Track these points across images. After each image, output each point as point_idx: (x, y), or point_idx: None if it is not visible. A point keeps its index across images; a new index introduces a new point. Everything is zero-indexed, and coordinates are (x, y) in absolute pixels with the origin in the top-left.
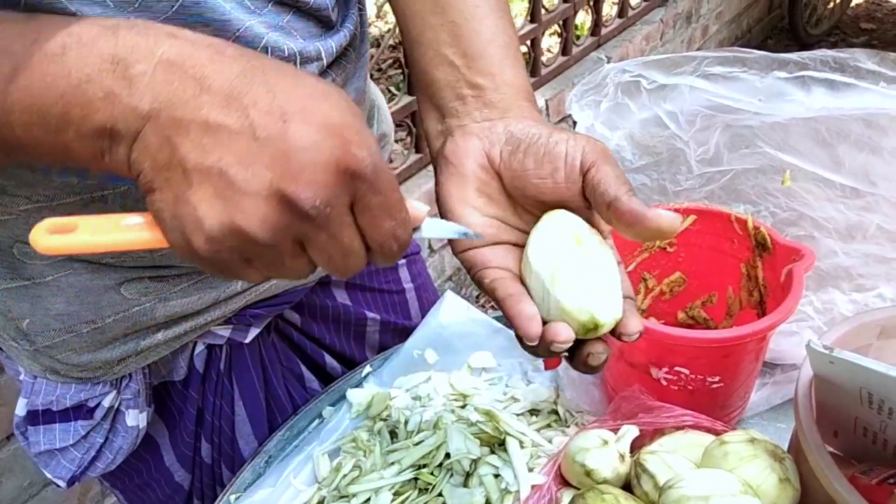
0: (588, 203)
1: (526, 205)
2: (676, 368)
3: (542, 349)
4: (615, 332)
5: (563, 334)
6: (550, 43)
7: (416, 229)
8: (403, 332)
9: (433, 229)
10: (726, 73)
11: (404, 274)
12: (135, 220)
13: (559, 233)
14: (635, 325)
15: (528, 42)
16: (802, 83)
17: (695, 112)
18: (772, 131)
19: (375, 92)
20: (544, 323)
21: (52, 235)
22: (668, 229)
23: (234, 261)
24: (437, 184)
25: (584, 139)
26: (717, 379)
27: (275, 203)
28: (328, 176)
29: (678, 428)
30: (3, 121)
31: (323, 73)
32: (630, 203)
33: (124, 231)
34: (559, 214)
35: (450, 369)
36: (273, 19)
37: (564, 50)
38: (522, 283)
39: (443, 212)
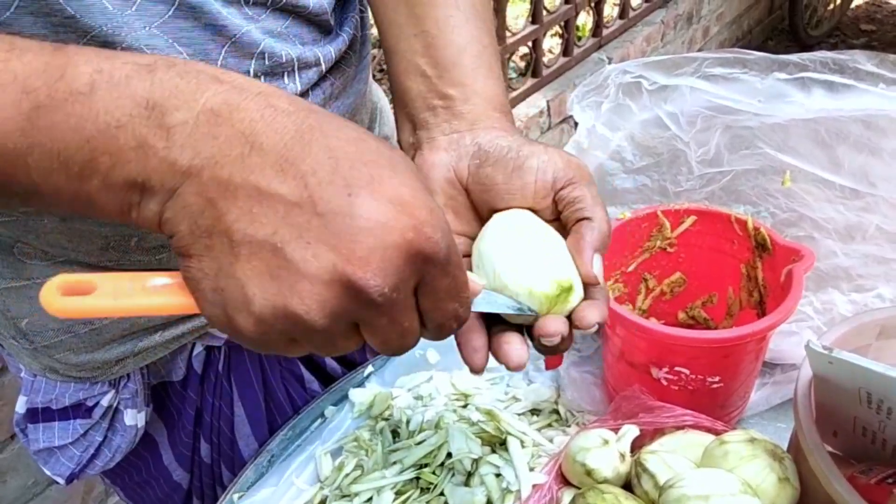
0: (555, 219)
1: (489, 217)
2: (677, 368)
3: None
4: (572, 323)
5: (552, 327)
6: (552, 44)
7: None
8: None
9: (489, 304)
10: (727, 75)
11: None
12: (162, 281)
13: (508, 224)
14: (592, 315)
15: (530, 43)
16: (802, 84)
17: (695, 113)
18: (772, 132)
19: (378, 93)
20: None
21: (67, 297)
22: (586, 279)
23: (280, 341)
24: None
25: (558, 154)
26: (717, 379)
27: (337, 288)
28: (399, 260)
29: (678, 428)
30: (18, 163)
31: (322, 78)
32: (587, 238)
33: (150, 294)
34: (510, 212)
35: (451, 369)
36: (271, 25)
37: (566, 51)
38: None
39: None
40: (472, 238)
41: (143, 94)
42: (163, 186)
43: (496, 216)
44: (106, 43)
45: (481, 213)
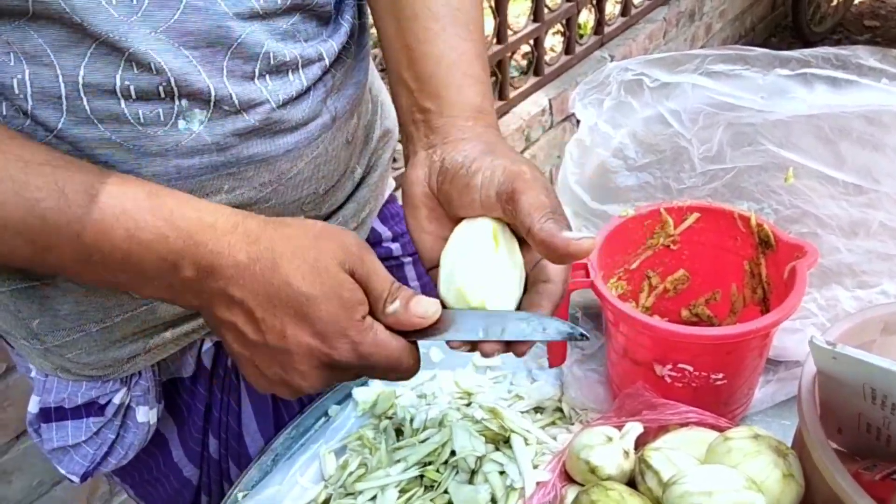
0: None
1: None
2: (680, 365)
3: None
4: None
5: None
6: (554, 42)
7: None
8: None
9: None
10: (729, 71)
11: (410, 272)
12: None
13: (467, 237)
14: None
15: (532, 41)
16: (805, 80)
17: (697, 110)
18: (774, 129)
19: (380, 87)
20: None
21: None
22: (578, 253)
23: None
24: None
25: (502, 165)
26: (720, 376)
27: (286, 391)
28: (325, 371)
29: (682, 425)
30: (72, 276)
31: (325, 73)
32: (541, 232)
33: None
34: (468, 223)
35: (454, 367)
36: (274, 24)
37: (567, 49)
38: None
39: (409, 237)
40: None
41: (164, 255)
42: (187, 308)
43: (456, 228)
44: (114, 48)
45: (453, 221)
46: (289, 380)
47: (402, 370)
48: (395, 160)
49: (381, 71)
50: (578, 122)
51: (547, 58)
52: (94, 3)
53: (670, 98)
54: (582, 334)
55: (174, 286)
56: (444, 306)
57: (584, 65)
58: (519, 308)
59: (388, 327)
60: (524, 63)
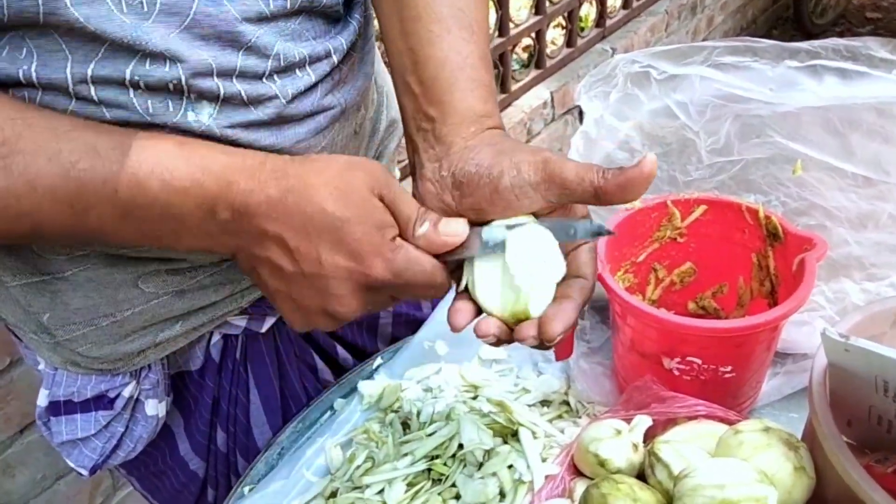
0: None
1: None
2: (689, 358)
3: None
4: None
5: (485, 328)
6: (555, 35)
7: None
8: (415, 324)
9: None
10: (737, 63)
11: None
12: None
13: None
14: (555, 327)
15: (533, 34)
16: (814, 72)
17: (705, 102)
18: (783, 121)
19: (386, 77)
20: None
21: None
22: (652, 171)
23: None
24: None
25: (525, 161)
26: (729, 369)
27: (328, 320)
28: (361, 293)
29: (691, 418)
30: (107, 236)
31: (333, 68)
32: (612, 179)
33: None
34: (528, 230)
35: (460, 361)
36: (284, 25)
37: (569, 42)
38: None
39: None
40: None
41: (200, 201)
42: (224, 252)
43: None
44: (130, 48)
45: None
46: (327, 307)
47: (437, 286)
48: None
49: (386, 65)
50: (581, 115)
51: (548, 51)
52: (105, 13)
53: (677, 90)
54: (609, 231)
55: (212, 232)
56: (477, 308)
57: (586, 58)
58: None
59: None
60: (525, 56)
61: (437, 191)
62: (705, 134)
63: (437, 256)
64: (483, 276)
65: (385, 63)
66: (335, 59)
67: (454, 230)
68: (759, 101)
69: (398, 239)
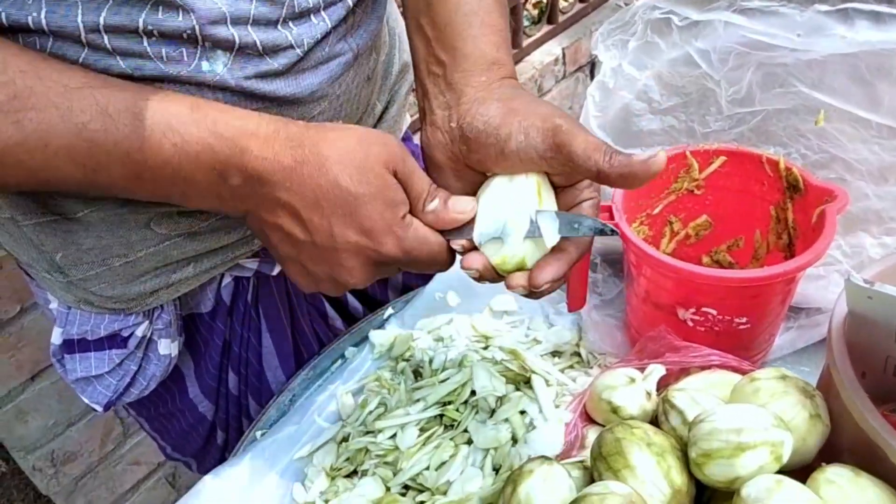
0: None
1: None
2: (704, 309)
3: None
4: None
5: (469, 262)
6: None
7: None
8: (426, 274)
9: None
10: (764, 8)
11: None
12: None
13: (509, 194)
14: (543, 276)
15: None
16: (845, 16)
17: (728, 49)
18: (808, 69)
19: (397, 19)
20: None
21: None
22: (659, 169)
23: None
24: (424, 170)
25: (534, 126)
26: (744, 320)
27: (334, 287)
28: (371, 267)
29: (704, 367)
30: (120, 191)
31: (348, 12)
32: (616, 167)
33: None
34: (515, 179)
35: (471, 312)
36: None
37: None
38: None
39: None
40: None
41: (211, 165)
42: (234, 214)
43: (494, 182)
44: None
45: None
46: (336, 276)
47: (441, 262)
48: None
49: (401, 5)
50: (592, 72)
51: (560, 6)
52: None
53: (700, 38)
54: (612, 230)
55: (222, 195)
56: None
57: (599, 13)
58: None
59: (427, 225)
60: (536, 13)
61: (446, 140)
62: (726, 83)
63: (442, 233)
64: (484, 227)
65: (398, 4)
66: (350, 2)
67: (462, 208)
68: (784, 49)
69: (408, 216)
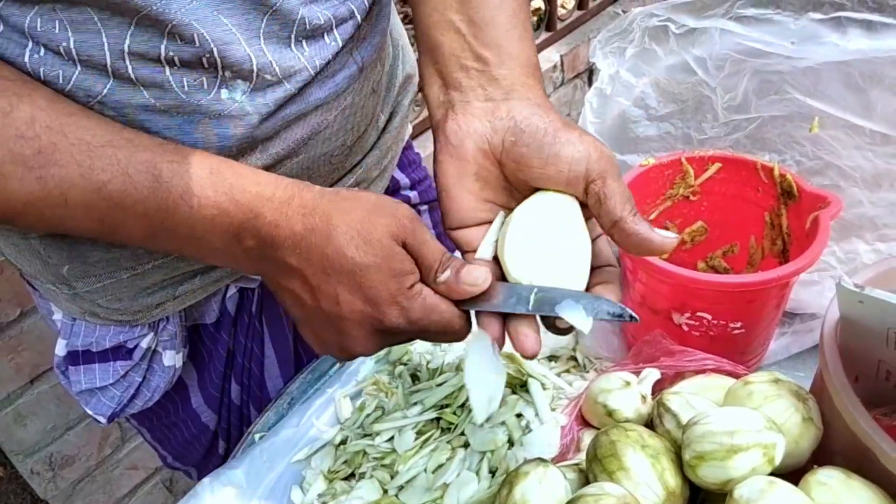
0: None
1: (523, 190)
2: (699, 314)
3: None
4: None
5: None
6: None
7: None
8: None
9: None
10: (759, 15)
11: (426, 220)
12: None
13: (544, 211)
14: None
15: None
16: (838, 24)
17: (724, 57)
18: (802, 77)
19: (401, 32)
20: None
21: None
22: (670, 248)
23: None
24: (435, 161)
25: (591, 144)
26: (738, 325)
27: (344, 355)
28: (377, 337)
29: (699, 371)
30: (144, 247)
31: (358, 27)
32: (635, 226)
33: None
34: (550, 197)
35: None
36: None
37: (580, 4)
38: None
39: (439, 190)
40: (498, 204)
41: (226, 228)
42: (250, 273)
43: (537, 198)
44: (157, 20)
45: (514, 185)
46: (343, 343)
47: (454, 332)
48: (417, 104)
49: (405, 22)
50: (590, 79)
51: (559, 13)
52: None
53: (696, 45)
54: (632, 316)
55: (236, 255)
56: (501, 272)
57: (598, 21)
58: (588, 289)
59: (440, 294)
60: (535, 19)
61: (485, 130)
62: (722, 90)
63: (457, 304)
64: (516, 247)
65: (398, 11)
66: (359, 18)
67: (474, 279)
68: (779, 56)
69: (417, 286)
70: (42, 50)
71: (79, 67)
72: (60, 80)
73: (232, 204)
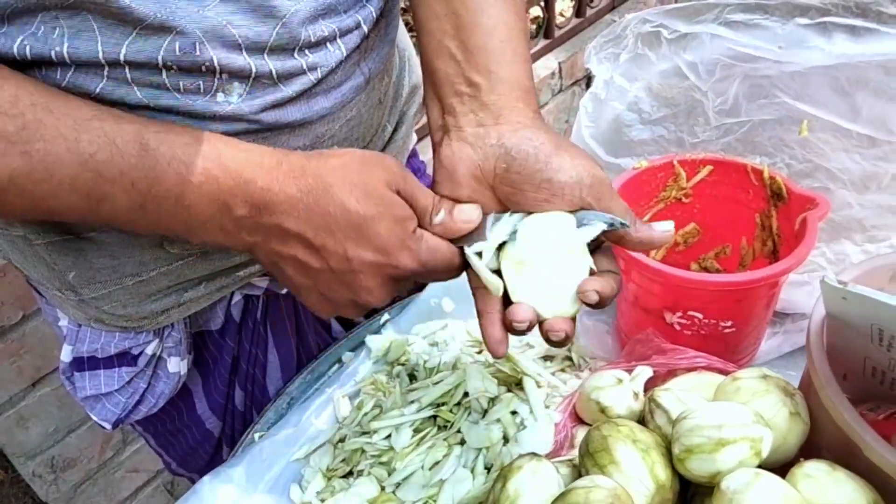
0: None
1: (518, 211)
2: (690, 313)
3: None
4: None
5: (521, 314)
6: (563, 6)
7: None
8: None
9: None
10: (748, 21)
11: None
12: None
13: (542, 234)
14: (592, 287)
15: (542, 3)
16: (823, 29)
17: (714, 61)
18: (791, 81)
19: (407, 42)
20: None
21: None
22: (670, 238)
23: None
24: (433, 182)
25: (583, 167)
26: (729, 324)
27: (357, 310)
28: (390, 285)
29: (691, 369)
30: (123, 223)
31: (362, 39)
32: (637, 234)
33: None
34: (546, 218)
35: (466, 317)
36: (316, 2)
37: (578, 12)
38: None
39: None
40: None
41: (215, 196)
42: (240, 249)
43: (536, 219)
44: (161, 28)
45: (509, 208)
46: (357, 298)
47: (455, 268)
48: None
49: (410, 31)
50: (588, 84)
51: (557, 21)
52: None
53: (688, 50)
54: (622, 223)
55: (226, 227)
56: (507, 296)
57: (595, 28)
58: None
59: (437, 235)
60: (533, 27)
61: (477, 156)
62: (713, 94)
63: (452, 241)
64: (524, 283)
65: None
66: (365, 29)
67: (468, 216)
68: (767, 61)
69: (418, 230)
70: (31, 52)
71: (71, 69)
72: (57, 76)
73: (221, 170)
